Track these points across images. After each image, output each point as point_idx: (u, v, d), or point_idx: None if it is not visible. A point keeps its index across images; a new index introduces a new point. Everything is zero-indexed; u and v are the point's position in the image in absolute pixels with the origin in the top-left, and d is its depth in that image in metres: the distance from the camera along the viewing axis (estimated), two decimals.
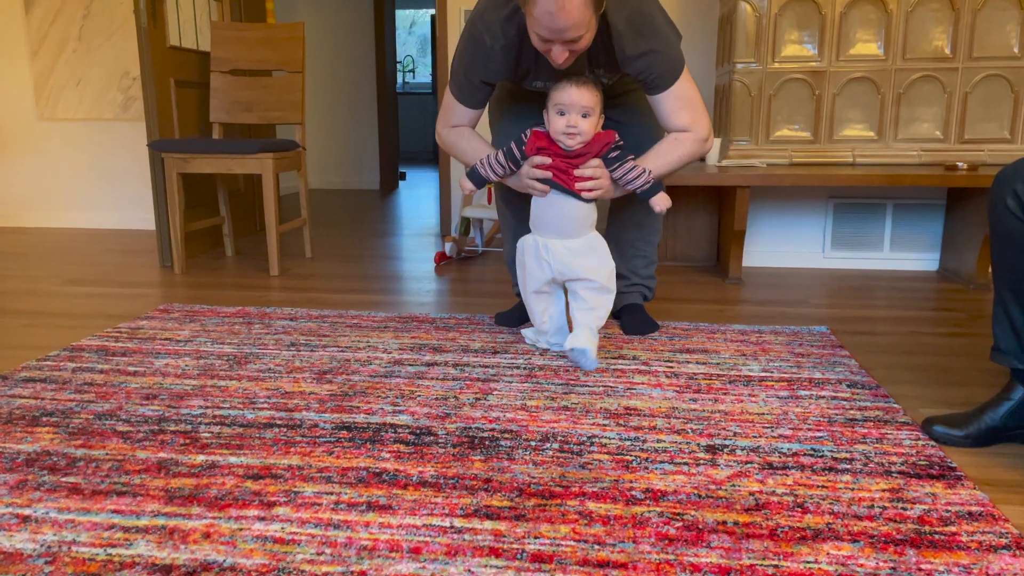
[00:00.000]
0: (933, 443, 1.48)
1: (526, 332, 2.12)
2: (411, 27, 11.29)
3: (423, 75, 10.77)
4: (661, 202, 1.88)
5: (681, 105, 1.88)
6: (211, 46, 3.39)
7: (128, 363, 1.95)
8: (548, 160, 1.82)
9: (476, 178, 1.94)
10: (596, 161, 1.83)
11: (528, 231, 1.97)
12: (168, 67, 3.22)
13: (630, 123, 2.09)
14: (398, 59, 10.39)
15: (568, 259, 1.87)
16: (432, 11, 10.11)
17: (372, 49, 6.46)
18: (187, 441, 1.49)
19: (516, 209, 2.14)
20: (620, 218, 2.23)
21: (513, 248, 2.13)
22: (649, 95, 1.90)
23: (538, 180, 1.84)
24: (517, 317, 2.29)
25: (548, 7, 1.58)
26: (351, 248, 3.75)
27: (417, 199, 5.92)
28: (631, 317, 2.25)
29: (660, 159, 1.91)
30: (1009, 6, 2.90)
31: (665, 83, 1.85)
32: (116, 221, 4.33)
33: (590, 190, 1.84)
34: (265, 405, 1.67)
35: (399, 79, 10.32)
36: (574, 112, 1.77)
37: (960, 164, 2.83)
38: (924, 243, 3.19)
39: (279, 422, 1.58)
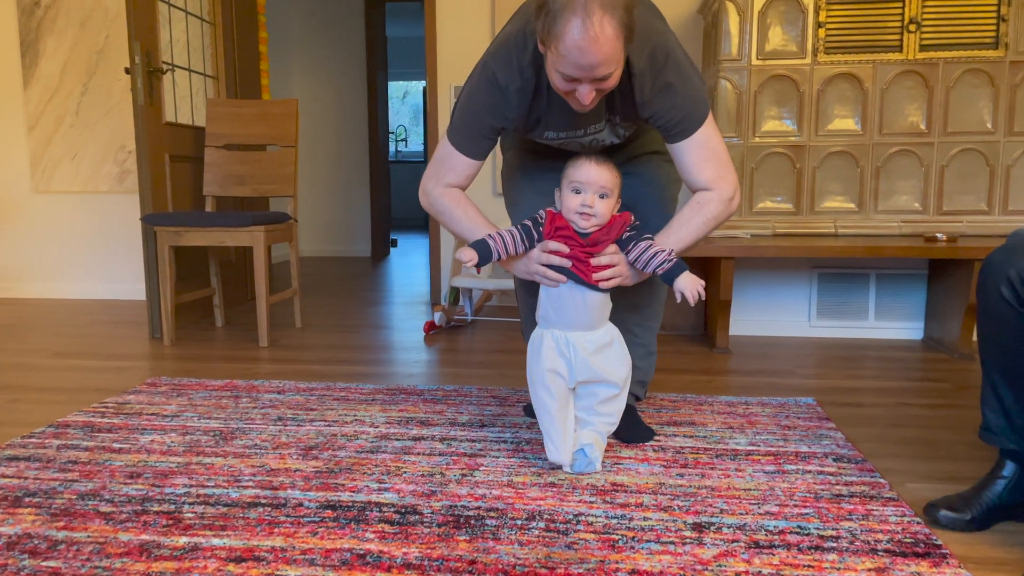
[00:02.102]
0: (918, 520, 1.48)
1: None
2: (404, 97, 11.56)
3: (415, 144, 10.98)
4: (690, 285, 1.61)
5: (706, 156, 1.68)
6: (206, 122, 3.47)
7: (113, 440, 1.94)
8: (565, 248, 1.64)
9: (483, 252, 1.66)
10: (613, 247, 1.66)
11: None
12: (163, 143, 3.28)
13: (640, 195, 1.88)
14: (391, 129, 10.60)
15: (591, 355, 1.66)
16: (425, 82, 10.38)
17: (365, 119, 6.61)
18: (170, 522, 1.47)
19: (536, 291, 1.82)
20: (616, 300, 1.95)
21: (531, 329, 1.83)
22: (670, 144, 1.70)
23: (552, 268, 1.65)
24: None
25: (578, 42, 1.42)
26: (341, 317, 3.77)
27: (408, 266, 5.97)
28: (624, 422, 1.90)
29: (681, 231, 1.69)
30: (981, 83, 3.01)
31: (688, 129, 1.66)
32: (107, 292, 4.35)
33: (608, 279, 1.65)
34: (250, 483, 1.66)
35: (392, 148, 10.51)
36: (591, 191, 1.62)
37: (940, 235, 2.90)
38: (908, 312, 3.23)
39: (264, 501, 1.57)
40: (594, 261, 1.64)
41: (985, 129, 3.03)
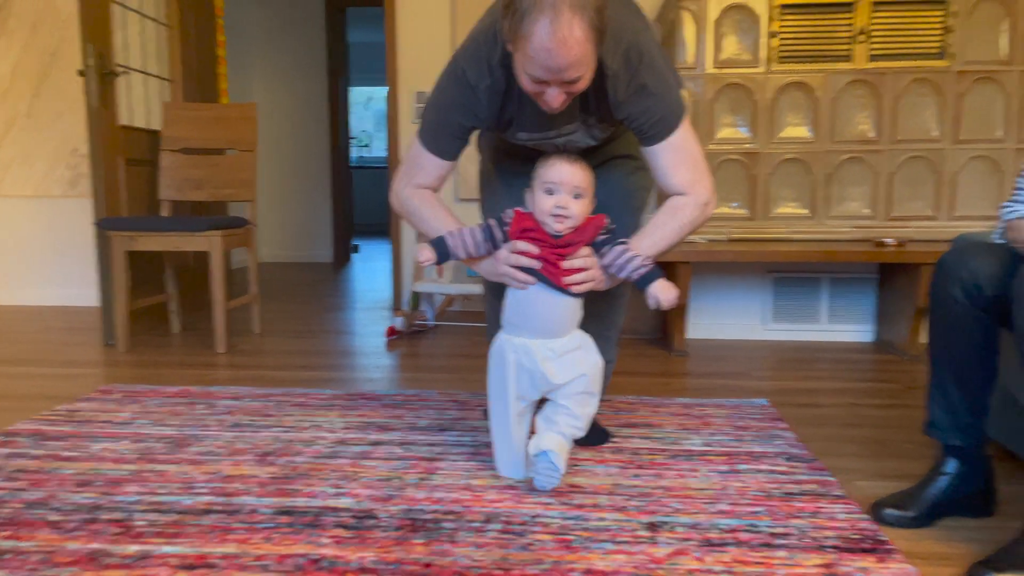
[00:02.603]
0: (865, 516, 1.52)
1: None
2: (368, 102, 11.50)
3: (379, 149, 10.93)
4: (664, 292, 1.56)
5: (681, 159, 1.63)
6: (162, 125, 3.42)
7: (63, 448, 1.91)
8: (535, 248, 1.57)
9: (441, 250, 1.62)
10: (586, 250, 1.60)
11: None
12: (117, 146, 3.23)
13: (606, 200, 1.78)
14: (354, 134, 10.54)
15: (550, 364, 1.59)
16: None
17: (327, 124, 6.57)
18: (121, 530, 1.45)
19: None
20: None
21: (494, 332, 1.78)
22: (644, 147, 1.65)
23: (520, 269, 1.59)
24: None
25: (546, 43, 1.37)
26: (301, 323, 3.74)
27: (370, 272, 5.95)
28: None
29: (656, 235, 1.65)
30: (927, 92, 3.10)
31: (663, 131, 1.61)
32: (60, 298, 4.26)
33: (580, 283, 1.59)
34: (204, 490, 1.64)
35: (354, 153, 10.44)
36: (564, 192, 1.54)
37: (889, 240, 2.97)
38: (860, 315, 3.30)
39: (217, 508, 1.55)
40: (566, 263, 1.57)
41: (932, 137, 3.12)
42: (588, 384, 1.63)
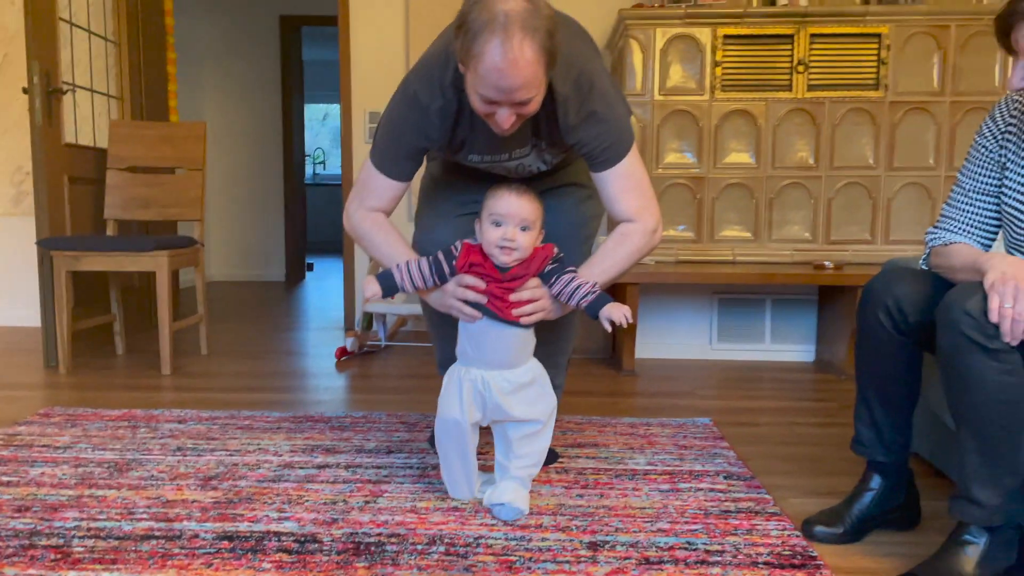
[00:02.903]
0: (798, 532, 1.57)
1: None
2: (324, 119, 11.47)
3: (334, 167, 10.89)
4: (616, 312, 1.54)
5: (629, 186, 1.66)
6: (109, 144, 3.38)
7: (1, 473, 1.87)
8: (481, 283, 1.58)
9: (388, 284, 1.62)
10: (535, 281, 1.60)
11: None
12: (62, 164, 3.19)
13: (556, 229, 1.80)
14: (309, 151, 10.49)
15: (506, 396, 1.60)
16: None
17: (280, 141, 6.53)
18: (59, 556, 1.43)
19: (449, 321, 1.75)
20: None
21: (446, 361, 1.80)
22: (594, 172, 1.68)
23: (468, 303, 1.60)
24: None
25: (497, 63, 1.38)
26: (250, 344, 3.70)
27: (324, 291, 5.91)
28: None
29: (605, 262, 1.67)
30: (863, 122, 3.22)
31: (612, 158, 1.64)
32: (1, 318, 4.15)
33: (529, 314, 1.59)
34: (144, 515, 1.63)
35: (310, 170, 10.39)
36: (511, 224, 1.54)
37: (827, 263, 3.07)
38: (801, 335, 3.40)
39: (158, 533, 1.54)
40: (514, 296, 1.57)
41: (868, 164, 3.25)
42: (544, 427, 1.66)
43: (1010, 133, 1.50)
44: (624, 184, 1.66)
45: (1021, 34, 1.29)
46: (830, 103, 3.22)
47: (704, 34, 3.21)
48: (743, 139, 3.24)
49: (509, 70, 1.39)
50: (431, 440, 2.03)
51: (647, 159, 3.24)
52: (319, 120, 11.36)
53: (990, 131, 1.53)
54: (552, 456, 1.98)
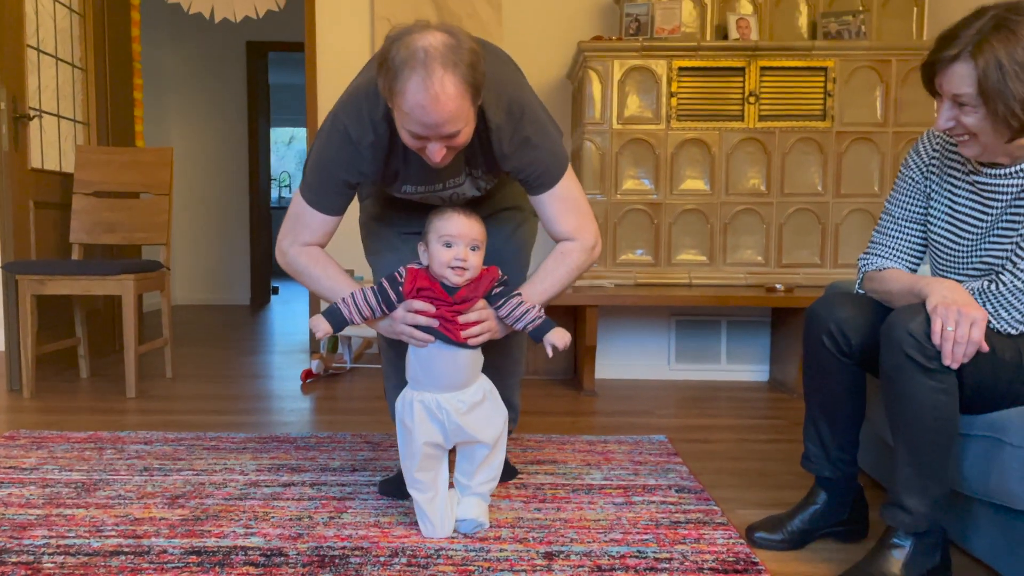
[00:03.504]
0: (742, 541, 1.66)
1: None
2: (289, 142, 11.50)
3: None
4: (559, 339, 1.62)
5: (567, 208, 1.69)
6: (75, 169, 3.41)
7: None
8: (431, 307, 1.59)
9: (336, 319, 1.61)
10: (481, 302, 1.63)
11: None
12: (28, 189, 3.21)
13: (499, 252, 1.84)
14: (275, 175, 10.50)
15: (464, 416, 1.61)
16: None
17: (246, 165, 6.57)
18: (29, 572, 1.47)
19: (400, 349, 1.75)
20: None
21: (396, 392, 1.75)
22: (531, 196, 1.71)
23: (419, 328, 1.60)
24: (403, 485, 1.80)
25: (420, 99, 1.38)
26: (215, 367, 3.72)
27: (289, 314, 5.93)
28: None
29: (547, 281, 1.71)
30: (811, 151, 3.38)
31: (548, 182, 1.67)
32: None
33: (477, 335, 1.61)
34: (112, 532, 1.66)
35: (275, 193, 10.40)
36: (463, 244, 1.56)
37: (779, 286, 3.20)
38: (755, 356, 3.52)
39: (126, 549, 1.58)
40: (462, 318, 1.59)
41: (816, 191, 3.39)
42: (498, 441, 1.68)
43: (933, 166, 1.63)
44: (561, 206, 1.70)
45: (944, 79, 1.41)
46: (780, 132, 3.37)
47: (660, 66, 3.35)
48: (698, 167, 3.38)
49: (432, 106, 1.39)
50: (383, 487, 1.97)
51: (606, 185, 3.35)
52: (284, 143, 11.40)
53: (915, 163, 1.66)
54: (511, 472, 2.04)
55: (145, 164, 3.45)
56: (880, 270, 1.67)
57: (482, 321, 1.62)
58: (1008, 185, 1.48)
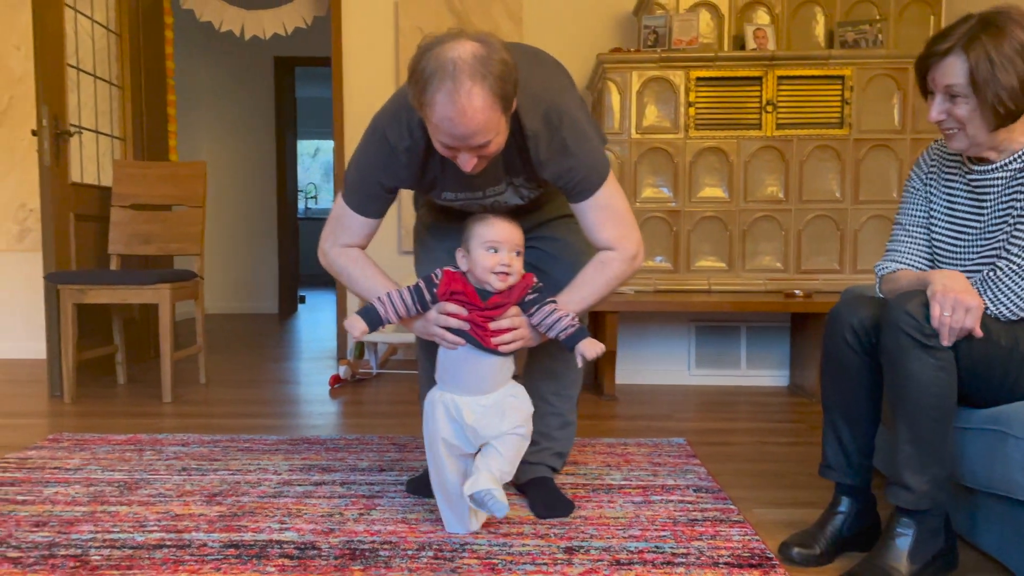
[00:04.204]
0: (758, 538, 1.71)
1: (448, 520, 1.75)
2: (315, 154, 11.68)
3: (326, 201, 11.07)
4: (590, 349, 1.59)
5: (607, 216, 1.67)
6: (113, 182, 3.54)
7: (17, 492, 1.99)
8: (463, 311, 1.60)
9: (372, 318, 1.63)
10: (514, 309, 1.62)
11: None
12: (68, 202, 3.34)
13: (553, 259, 1.87)
14: (301, 186, 10.68)
15: (479, 419, 1.61)
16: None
17: (274, 177, 6.71)
18: (78, 564, 1.56)
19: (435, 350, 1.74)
20: (531, 365, 1.92)
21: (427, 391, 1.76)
22: (572, 204, 1.70)
23: (450, 330, 1.62)
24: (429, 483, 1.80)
25: (447, 112, 1.39)
26: (246, 373, 3.83)
27: (316, 323, 6.05)
28: (540, 495, 1.89)
29: (584, 290, 1.69)
30: (829, 158, 3.42)
31: (588, 190, 1.65)
32: (1, 351, 4.27)
33: (508, 343, 1.61)
34: (155, 527, 1.75)
35: (301, 205, 10.57)
36: (507, 249, 1.57)
37: (797, 292, 3.24)
38: (775, 361, 3.56)
39: (168, 543, 1.67)
40: (493, 325, 1.59)
41: (835, 198, 3.43)
42: (522, 430, 1.65)
43: (932, 174, 1.73)
44: (601, 215, 1.68)
45: (938, 73, 1.53)
46: (798, 140, 3.41)
47: (678, 76, 3.41)
48: (716, 175, 3.43)
49: (459, 119, 1.39)
50: (411, 485, 2.02)
51: (626, 194, 3.41)
52: (310, 155, 11.57)
53: (916, 175, 1.77)
54: (568, 506, 1.87)
55: (179, 177, 3.57)
56: (893, 272, 1.73)
57: (515, 328, 1.61)
58: (997, 179, 1.58)
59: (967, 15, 1.53)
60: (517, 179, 1.70)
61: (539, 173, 1.66)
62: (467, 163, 1.49)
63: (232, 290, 6.78)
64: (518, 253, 1.61)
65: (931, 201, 1.72)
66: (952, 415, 1.49)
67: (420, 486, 1.97)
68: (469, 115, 1.40)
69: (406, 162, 1.65)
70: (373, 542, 1.68)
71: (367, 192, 1.72)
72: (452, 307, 1.61)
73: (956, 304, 1.43)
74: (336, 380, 3.49)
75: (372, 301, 1.67)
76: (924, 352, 1.45)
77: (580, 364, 1.63)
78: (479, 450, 1.68)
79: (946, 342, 1.44)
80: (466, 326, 1.61)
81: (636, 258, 1.71)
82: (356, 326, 1.61)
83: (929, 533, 1.49)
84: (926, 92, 1.59)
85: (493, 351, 1.61)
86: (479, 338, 1.60)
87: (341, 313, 4.12)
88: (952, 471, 1.56)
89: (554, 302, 1.65)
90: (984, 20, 1.48)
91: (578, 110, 1.65)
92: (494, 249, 1.57)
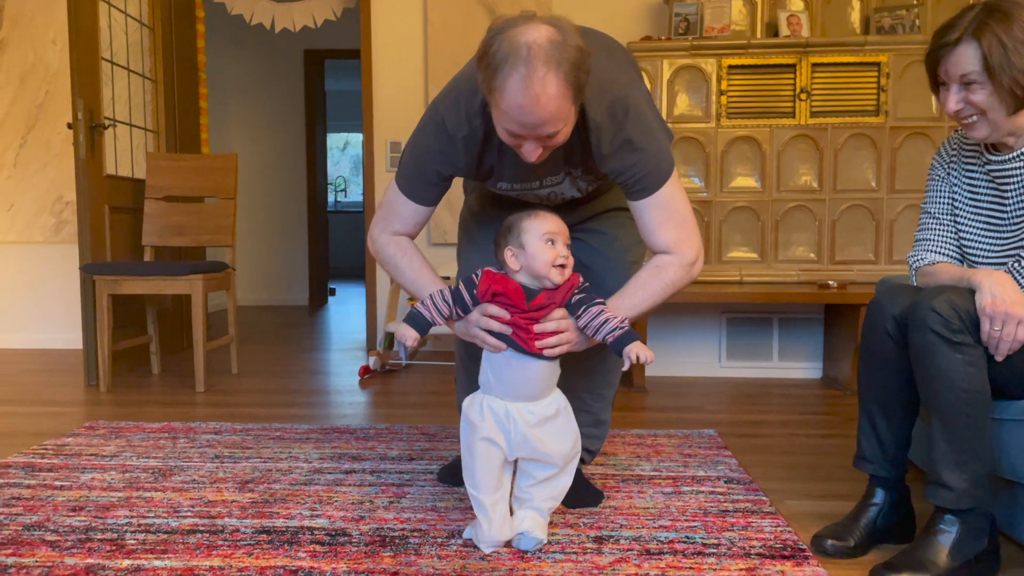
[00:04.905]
0: (790, 529, 1.69)
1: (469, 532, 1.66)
2: (344, 148, 11.75)
3: (355, 194, 11.14)
4: (640, 353, 1.45)
5: (667, 217, 1.58)
6: (147, 174, 3.59)
7: (55, 478, 2.03)
8: (505, 313, 1.51)
9: (420, 323, 1.55)
10: (560, 311, 1.52)
11: None
12: (103, 194, 3.39)
13: (599, 254, 1.79)
14: (330, 179, 10.75)
15: (532, 429, 1.52)
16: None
17: (304, 170, 6.76)
18: (114, 547, 1.58)
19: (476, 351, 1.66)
20: (567, 360, 1.74)
21: (465, 393, 1.69)
22: (630, 201, 1.61)
23: (492, 333, 1.53)
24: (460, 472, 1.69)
25: (518, 100, 1.33)
26: (277, 364, 3.87)
27: (346, 315, 6.09)
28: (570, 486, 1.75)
29: (636, 296, 1.59)
30: (864, 146, 3.36)
31: (649, 188, 1.56)
32: (38, 341, 4.35)
33: (553, 347, 1.52)
34: (189, 513, 1.78)
35: (331, 198, 10.65)
36: (561, 241, 1.50)
37: (831, 283, 3.19)
38: (808, 353, 3.51)
39: (202, 528, 1.69)
40: (538, 327, 1.50)
41: (870, 187, 3.37)
42: (566, 463, 1.58)
43: (953, 163, 1.71)
44: (661, 215, 1.58)
45: (950, 63, 1.50)
46: (832, 129, 3.36)
47: (709, 64, 3.37)
48: (748, 164, 3.39)
49: (531, 106, 1.33)
50: (442, 474, 2.00)
51: None
52: (339, 149, 11.64)
53: (938, 163, 1.74)
54: (597, 496, 1.86)
55: (211, 169, 3.61)
56: (931, 264, 1.69)
57: (560, 332, 1.52)
58: (1015, 168, 1.55)
59: (970, 4, 1.52)
60: (576, 170, 1.64)
61: (600, 167, 1.59)
62: (532, 153, 1.44)
63: (263, 282, 6.85)
64: (569, 246, 1.53)
65: (954, 190, 1.70)
66: (987, 410, 1.46)
67: (450, 475, 1.97)
68: (542, 103, 1.34)
69: (463, 151, 1.58)
70: (403, 529, 1.68)
71: (421, 179, 1.65)
72: (494, 309, 1.52)
73: (1007, 318, 1.41)
74: (366, 371, 3.51)
75: (417, 299, 1.61)
76: (952, 349, 1.43)
77: (626, 367, 1.50)
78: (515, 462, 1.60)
79: (999, 357, 1.44)
80: (508, 329, 1.51)
81: (695, 264, 1.61)
82: (407, 335, 1.54)
83: (973, 533, 1.46)
84: (937, 86, 1.57)
85: (538, 355, 1.51)
86: (522, 342, 1.51)
87: (371, 306, 4.14)
88: (993, 467, 1.52)
89: (602, 303, 1.54)
90: (989, 7, 1.48)
91: (645, 104, 1.57)
92: (551, 241, 1.49)
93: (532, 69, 1.31)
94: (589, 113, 1.51)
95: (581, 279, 1.56)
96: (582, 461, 1.93)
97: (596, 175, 1.66)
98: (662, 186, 1.57)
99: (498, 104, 1.38)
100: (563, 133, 1.43)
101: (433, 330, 1.63)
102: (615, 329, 1.50)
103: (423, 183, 1.65)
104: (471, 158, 1.60)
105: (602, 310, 1.52)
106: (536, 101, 1.33)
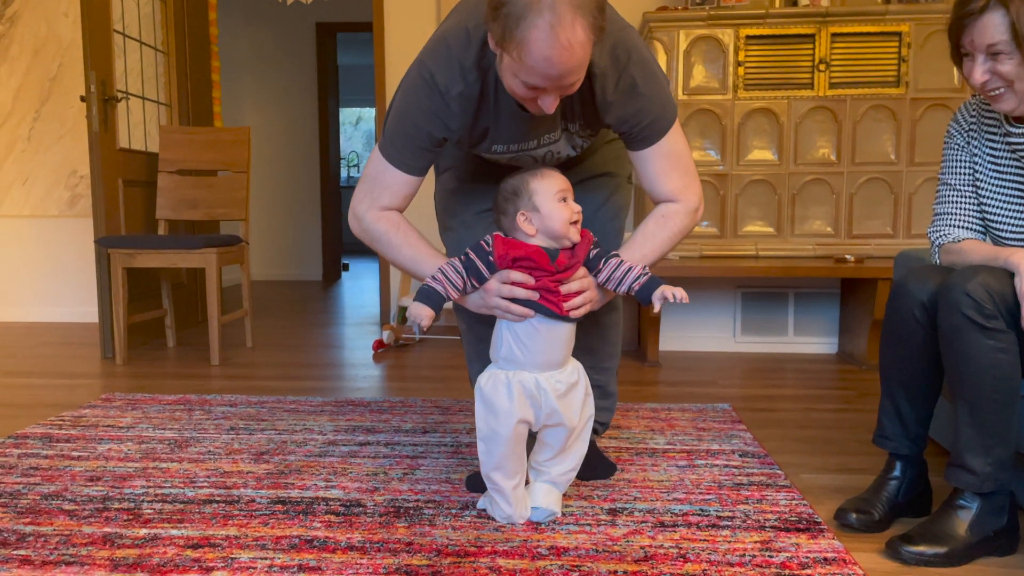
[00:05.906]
0: (805, 502, 1.68)
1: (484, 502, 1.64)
2: (357, 123, 11.71)
3: None
4: (673, 290, 1.45)
5: (672, 165, 1.52)
6: (160, 148, 3.58)
7: (72, 449, 2.05)
8: (530, 279, 1.44)
9: (434, 301, 1.44)
10: (582, 270, 1.48)
11: None
12: (117, 168, 3.39)
13: (587, 221, 1.64)
14: (343, 154, 10.72)
15: (561, 399, 1.48)
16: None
17: (316, 145, 6.75)
18: (131, 517, 1.60)
19: (486, 325, 1.61)
20: None
21: (479, 372, 1.59)
22: (633, 151, 1.54)
23: (516, 301, 1.45)
24: None
25: (546, 51, 1.23)
26: (291, 338, 3.88)
27: (359, 290, 6.10)
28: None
29: (646, 246, 1.55)
30: (884, 118, 3.30)
31: (654, 135, 1.50)
32: (55, 315, 4.39)
33: (579, 306, 1.46)
34: (205, 483, 1.79)
35: (344, 173, 10.62)
36: (571, 197, 1.46)
37: (848, 257, 3.16)
38: (823, 328, 3.48)
39: (218, 498, 1.70)
40: (564, 288, 1.44)
41: (889, 160, 3.32)
42: (583, 430, 1.57)
43: (973, 130, 1.64)
44: (666, 163, 1.52)
45: (976, 33, 1.42)
46: (851, 100, 3.30)
47: (727, 35, 3.31)
48: (765, 137, 3.34)
49: (560, 56, 1.24)
50: (470, 482, 1.80)
51: None
52: (352, 124, 11.60)
53: (956, 130, 1.67)
54: (610, 468, 1.85)
55: (224, 143, 3.60)
56: (957, 241, 1.65)
57: (584, 291, 1.47)
58: None
59: None
60: (573, 125, 1.54)
61: (603, 116, 1.50)
62: (551, 105, 1.34)
63: (276, 257, 6.87)
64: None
65: (975, 160, 1.63)
66: (1016, 395, 1.43)
67: (480, 483, 1.71)
68: (573, 50, 1.24)
69: (458, 110, 1.46)
70: (417, 500, 1.69)
71: (411, 143, 1.51)
72: (517, 275, 1.44)
73: None
74: (380, 345, 3.52)
75: (425, 278, 1.50)
76: (983, 334, 1.39)
77: (657, 309, 1.47)
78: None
79: None
80: (536, 295, 1.44)
81: (698, 211, 1.58)
82: (422, 314, 1.41)
83: (993, 511, 1.44)
84: (960, 57, 1.48)
85: (565, 318, 1.46)
86: (550, 304, 1.44)
87: (384, 280, 4.14)
88: (1016, 448, 1.50)
89: (617, 255, 1.51)
90: None
91: (643, 47, 1.49)
92: (564, 199, 1.44)
93: (560, 16, 1.22)
94: (592, 58, 1.40)
95: (591, 234, 1.51)
96: (595, 432, 1.88)
97: (593, 129, 1.58)
98: (667, 132, 1.51)
99: (520, 58, 1.26)
100: (580, 81, 1.34)
101: (446, 304, 1.57)
102: (639, 277, 1.48)
103: (414, 149, 1.51)
104: (467, 117, 1.48)
105: (621, 261, 1.49)
106: (567, 49, 1.24)
